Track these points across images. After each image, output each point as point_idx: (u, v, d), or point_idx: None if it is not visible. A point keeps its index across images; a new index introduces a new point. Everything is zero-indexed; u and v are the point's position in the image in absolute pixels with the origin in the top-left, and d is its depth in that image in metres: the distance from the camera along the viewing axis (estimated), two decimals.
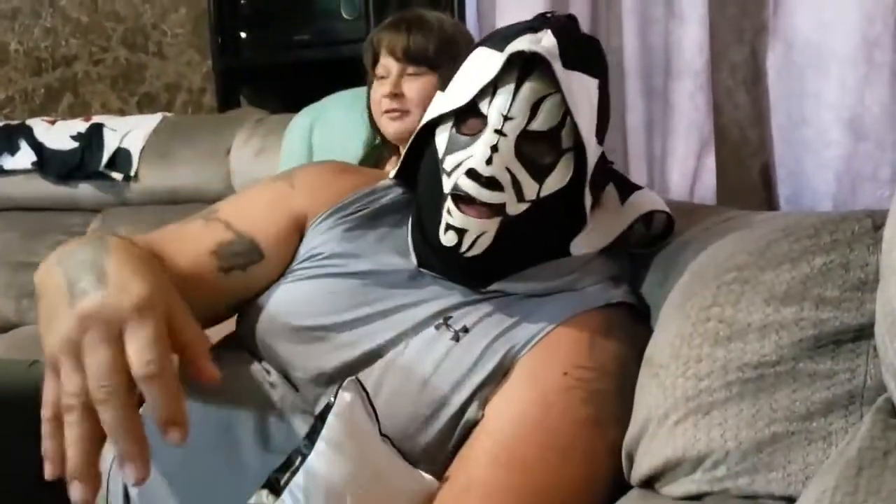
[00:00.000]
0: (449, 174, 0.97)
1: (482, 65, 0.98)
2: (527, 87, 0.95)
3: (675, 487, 0.81)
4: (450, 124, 1.00)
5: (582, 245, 1.04)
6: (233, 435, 0.92)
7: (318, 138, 2.18)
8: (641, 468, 0.85)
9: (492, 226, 0.96)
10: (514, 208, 0.96)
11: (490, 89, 0.96)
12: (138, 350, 0.70)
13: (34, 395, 1.10)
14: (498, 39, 1.00)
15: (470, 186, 0.94)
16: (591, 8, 1.70)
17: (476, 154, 0.95)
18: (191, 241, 1.03)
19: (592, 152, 0.99)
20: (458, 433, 0.92)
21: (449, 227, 0.96)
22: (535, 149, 0.96)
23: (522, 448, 0.88)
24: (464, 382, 0.93)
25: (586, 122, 0.98)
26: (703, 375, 0.81)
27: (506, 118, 0.95)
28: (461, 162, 0.96)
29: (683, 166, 1.54)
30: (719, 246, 0.94)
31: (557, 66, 0.94)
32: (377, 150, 1.92)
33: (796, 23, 1.37)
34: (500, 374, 0.94)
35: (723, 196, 1.54)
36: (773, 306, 0.79)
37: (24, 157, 2.55)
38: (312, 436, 0.86)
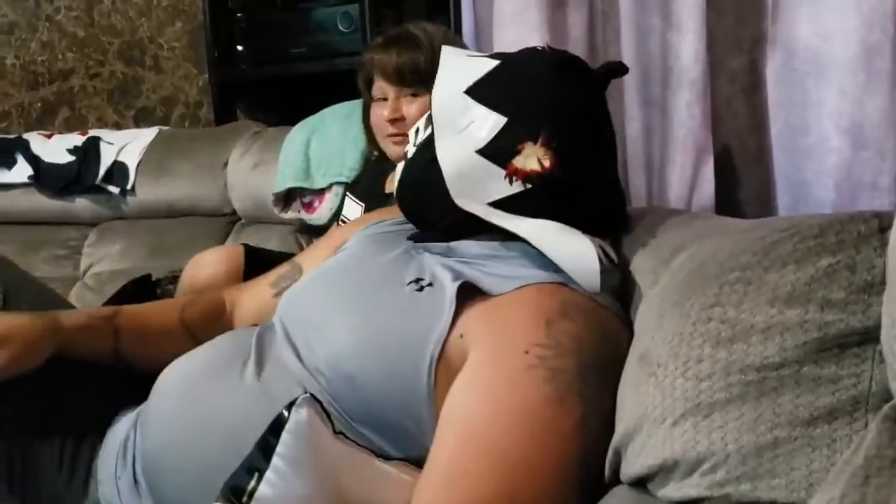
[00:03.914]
0: None
1: None
2: None
3: (672, 490, 0.79)
4: None
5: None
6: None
7: (315, 151, 2.18)
8: (634, 467, 0.84)
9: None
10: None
11: None
12: None
13: None
14: None
15: None
16: (589, 19, 1.70)
17: None
18: (262, 279, 1.33)
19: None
20: (437, 370, 0.97)
21: None
22: None
23: (488, 430, 0.89)
24: (434, 321, 0.99)
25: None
26: (704, 376, 0.79)
27: None
28: None
29: (682, 176, 1.53)
30: (720, 245, 0.92)
31: None
32: (376, 164, 1.91)
33: (795, 31, 1.36)
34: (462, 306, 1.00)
35: (721, 205, 1.53)
36: (777, 308, 0.77)
37: (21, 170, 2.55)
38: (266, 451, 0.88)
